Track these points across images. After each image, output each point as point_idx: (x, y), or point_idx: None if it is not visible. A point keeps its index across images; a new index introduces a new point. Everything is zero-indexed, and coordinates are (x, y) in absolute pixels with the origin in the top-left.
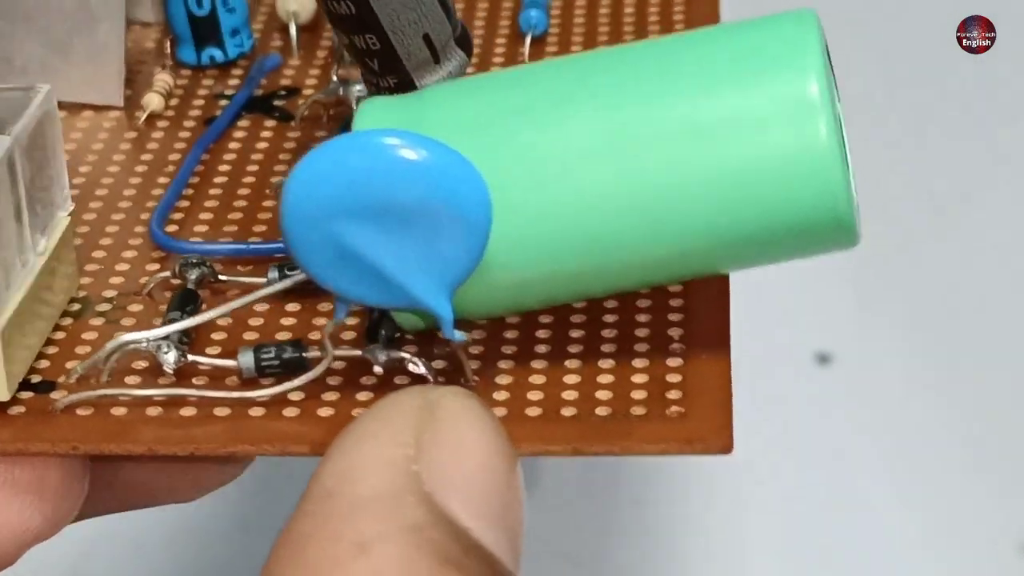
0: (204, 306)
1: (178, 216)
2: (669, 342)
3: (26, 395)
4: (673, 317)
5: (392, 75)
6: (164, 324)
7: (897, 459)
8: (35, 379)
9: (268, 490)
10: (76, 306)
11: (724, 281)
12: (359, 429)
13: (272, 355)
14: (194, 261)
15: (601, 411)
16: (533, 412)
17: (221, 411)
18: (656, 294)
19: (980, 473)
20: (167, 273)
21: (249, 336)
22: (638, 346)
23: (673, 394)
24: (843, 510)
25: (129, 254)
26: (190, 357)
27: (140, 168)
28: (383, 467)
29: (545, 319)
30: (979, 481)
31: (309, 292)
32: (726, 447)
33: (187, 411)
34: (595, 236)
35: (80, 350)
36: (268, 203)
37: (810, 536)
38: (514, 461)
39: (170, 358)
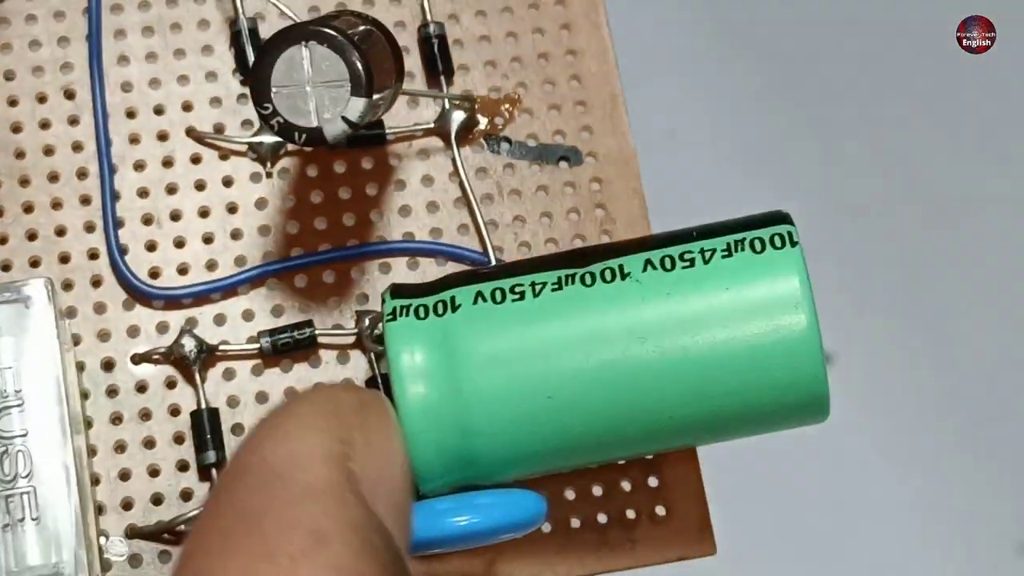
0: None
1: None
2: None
3: None
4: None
5: None
6: None
7: (897, 459)
8: None
9: None
10: None
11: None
12: (300, 414)
13: None
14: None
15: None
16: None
17: None
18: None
19: (980, 473)
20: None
21: None
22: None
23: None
24: (843, 510)
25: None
26: None
27: None
28: (326, 459)
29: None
30: (979, 481)
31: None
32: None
33: None
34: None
35: None
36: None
37: (810, 535)
38: (411, 476)
39: None
